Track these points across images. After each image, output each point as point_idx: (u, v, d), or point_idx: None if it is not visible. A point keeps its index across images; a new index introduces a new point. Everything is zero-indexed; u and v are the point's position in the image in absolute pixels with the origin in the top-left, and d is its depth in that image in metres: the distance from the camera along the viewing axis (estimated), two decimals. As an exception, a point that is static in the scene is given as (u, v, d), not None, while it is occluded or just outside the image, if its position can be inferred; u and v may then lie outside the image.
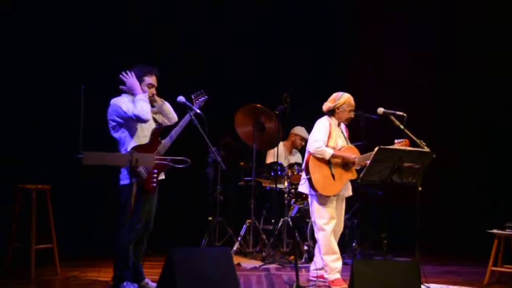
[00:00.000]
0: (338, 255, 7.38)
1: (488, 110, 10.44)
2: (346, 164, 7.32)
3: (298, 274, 6.55)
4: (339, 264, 7.36)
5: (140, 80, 6.65)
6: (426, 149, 6.71)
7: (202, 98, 6.94)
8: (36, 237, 7.40)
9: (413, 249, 7.01)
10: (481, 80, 10.42)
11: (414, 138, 6.81)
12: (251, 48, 10.63)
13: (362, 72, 10.92)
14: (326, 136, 7.31)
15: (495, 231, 7.59)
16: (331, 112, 7.47)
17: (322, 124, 7.41)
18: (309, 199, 7.47)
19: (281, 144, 9.78)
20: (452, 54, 10.59)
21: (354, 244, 9.13)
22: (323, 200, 7.33)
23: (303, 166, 7.46)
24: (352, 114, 7.50)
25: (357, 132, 8.93)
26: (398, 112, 7.03)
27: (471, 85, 10.46)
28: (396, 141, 7.03)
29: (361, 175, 6.69)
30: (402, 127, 6.91)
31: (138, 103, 6.47)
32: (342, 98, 7.43)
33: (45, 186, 7.56)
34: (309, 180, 7.26)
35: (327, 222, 7.30)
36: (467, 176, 10.45)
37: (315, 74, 10.61)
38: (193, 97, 6.87)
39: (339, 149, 7.36)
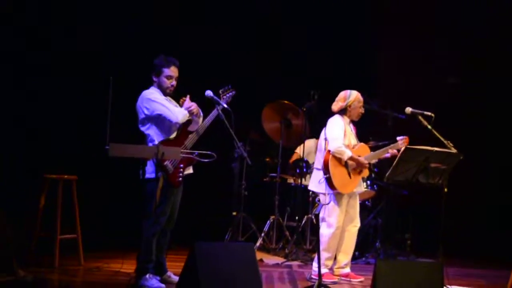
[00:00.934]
0: (334, 254, 7.52)
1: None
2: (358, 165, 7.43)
3: (320, 272, 6.56)
4: (330, 262, 7.52)
5: (159, 72, 6.67)
6: (454, 150, 6.68)
7: (230, 93, 6.94)
8: (61, 227, 7.48)
9: (437, 250, 6.97)
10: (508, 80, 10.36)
11: (442, 139, 6.77)
12: (280, 45, 10.61)
13: (390, 71, 10.88)
14: (343, 134, 7.36)
15: (520, 233, 7.54)
16: (343, 111, 7.52)
17: (338, 123, 7.45)
18: (324, 198, 7.45)
19: (313, 141, 9.73)
20: (481, 54, 10.50)
21: (377, 244, 9.10)
22: (338, 198, 7.38)
23: (321, 165, 7.41)
24: (363, 110, 7.57)
25: (384, 131, 8.90)
26: (426, 112, 7.01)
27: (500, 85, 10.39)
28: (398, 138, 7.37)
29: (387, 174, 6.69)
30: (429, 127, 6.89)
31: (181, 114, 6.57)
32: (352, 96, 7.50)
33: (72, 176, 7.62)
34: (329, 179, 7.26)
35: (337, 220, 7.37)
36: (494, 178, 10.36)
37: (342, 72, 10.55)
38: (220, 92, 6.87)
39: (353, 147, 7.46)
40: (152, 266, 6.57)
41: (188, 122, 6.67)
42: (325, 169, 7.29)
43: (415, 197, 8.79)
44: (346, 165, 7.34)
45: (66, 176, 7.56)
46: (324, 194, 7.39)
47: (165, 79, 6.68)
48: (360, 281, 7.49)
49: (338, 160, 7.31)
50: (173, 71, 6.70)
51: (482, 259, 9.50)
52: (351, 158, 7.32)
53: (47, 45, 9.18)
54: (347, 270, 7.60)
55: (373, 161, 7.60)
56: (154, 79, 6.71)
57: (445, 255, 6.86)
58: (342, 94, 7.56)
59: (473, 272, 8.59)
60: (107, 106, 5.92)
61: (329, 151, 7.32)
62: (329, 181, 7.26)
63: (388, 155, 7.49)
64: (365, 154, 7.50)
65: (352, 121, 7.63)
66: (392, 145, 7.49)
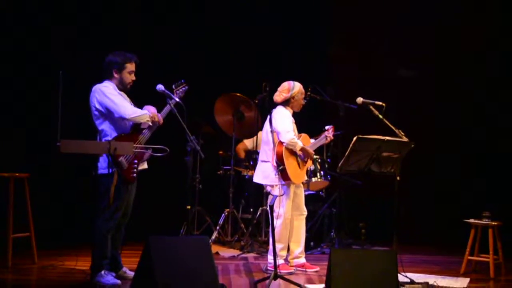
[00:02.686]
0: (286, 244, 7.57)
1: (468, 104, 10.47)
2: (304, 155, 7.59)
3: (276, 263, 6.58)
4: (284, 252, 7.56)
5: (122, 67, 6.65)
6: (405, 139, 6.74)
7: (183, 88, 6.93)
8: (13, 225, 7.37)
9: (391, 238, 7.04)
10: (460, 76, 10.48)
11: (393, 128, 6.82)
12: (233, 37, 10.58)
13: (342, 61, 10.92)
14: (292, 126, 7.41)
15: (471, 220, 7.65)
16: (286, 102, 7.58)
17: (286, 115, 7.53)
18: (273, 189, 7.47)
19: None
20: (433, 48, 10.61)
21: (332, 234, 9.15)
22: (288, 189, 7.44)
23: (271, 157, 7.43)
24: (304, 101, 7.71)
25: (336, 121, 8.95)
26: (377, 102, 7.05)
27: (451, 79, 10.51)
28: (326, 127, 7.72)
29: (340, 164, 6.73)
30: (380, 116, 6.94)
31: (140, 115, 6.55)
32: (295, 87, 7.59)
33: (23, 174, 7.52)
34: (283, 170, 7.28)
35: (286, 210, 7.45)
36: (445, 166, 10.47)
37: (295, 64, 10.56)
38: (173, 87, 6.86)
39: (298, 138, 7.55)
40: (107, 262, 6.53)
41: None
42: (280, 161, 7.31)
43: (368, 186, 8.84)
44: (296, 156, 7.42)
45: (17, 174, 7.46)
46: (272, 186, 7.42)
47: (127, 75, 6.69)
48: (316, 271, 7.54)
49: (290, 151, 7.37)
50: (133, 66, 6.73)
51: (436, 245, 9.63)
52: (301, 149, 7.39)
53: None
54: (302, 260, 7.64)
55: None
56: (115, 74, 6.67)
57: (399, 243, 6.92)
58: (286, 85, 7.60)
59: (427, 259, 8.70)
60: (57, 101, 5.86)
61: (281, 143, 7.34)
62: (283, 173, 7.29)
63: (325, 141, 7.77)
64: (307, 144, 7.61)
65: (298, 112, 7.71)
66: (324, 134, 7.74)
